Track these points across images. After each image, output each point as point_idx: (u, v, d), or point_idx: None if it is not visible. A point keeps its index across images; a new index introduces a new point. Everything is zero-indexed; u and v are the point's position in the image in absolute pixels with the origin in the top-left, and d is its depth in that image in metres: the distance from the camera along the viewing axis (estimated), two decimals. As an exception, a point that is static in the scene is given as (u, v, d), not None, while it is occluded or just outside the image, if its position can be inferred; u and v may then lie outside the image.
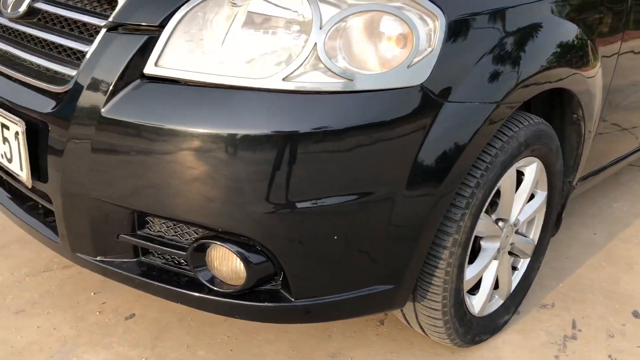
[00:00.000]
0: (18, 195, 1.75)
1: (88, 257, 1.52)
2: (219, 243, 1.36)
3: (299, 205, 1.31)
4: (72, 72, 1.42)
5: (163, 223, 1.45)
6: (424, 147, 1.37)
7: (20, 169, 1.51)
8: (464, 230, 1.54)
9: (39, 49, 1.54)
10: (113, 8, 1.41)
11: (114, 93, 1.34)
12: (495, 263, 1.80)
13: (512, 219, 1.80)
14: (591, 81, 1.82)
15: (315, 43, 1.27)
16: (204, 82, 1.31)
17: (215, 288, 1.41)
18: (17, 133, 1.48)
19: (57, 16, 1.53)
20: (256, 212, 1.31)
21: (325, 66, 1.28)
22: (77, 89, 1.38)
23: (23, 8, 1.57)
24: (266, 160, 1.27)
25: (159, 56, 1.33)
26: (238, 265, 1.37)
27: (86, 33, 1.46)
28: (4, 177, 1.75)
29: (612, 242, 2.59)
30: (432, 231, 1.47)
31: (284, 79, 1.27)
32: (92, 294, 1.99)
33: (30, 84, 1.51)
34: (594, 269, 2.37)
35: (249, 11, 1.31)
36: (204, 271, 1.42)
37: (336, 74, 1.28)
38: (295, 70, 1.27)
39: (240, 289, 1.39)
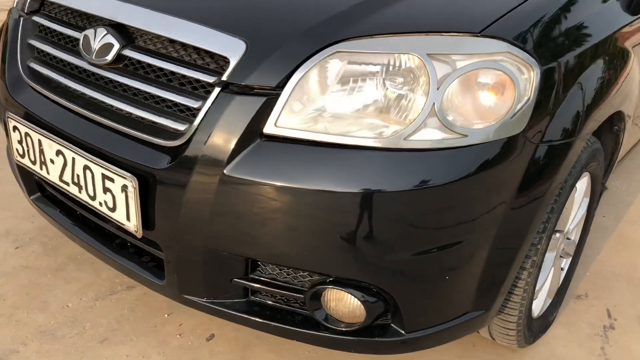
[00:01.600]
0: (106, 236, 1.78)
1: (198, 299, 1.59)
2: (339, 288, 1.45)
3: (418, 253, 1.41)
4: (182, 127, 1.46)
5: (276, 267, 1.53)
6: (520, 188, 1.48)
7: (127, 219, 1.55)
8: (540, 252, 1.68)
9: (141, 100, 1.56)
10: (219, 65, 1.44)
11: (235, 152, 1.39)
12: (552, 269, 1.97)
13: (566, 229, 1.96)
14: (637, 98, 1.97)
15: (434, 103, 1.35)
16: (325, 142, 1.37)
17: (331, 326, 1.51)
18: (124, 186, 1.51)
19: (149, 65, 1.55)
20: (378, 262, 1.41)
21: (442, 124, 1.36)
22: (195, 146, 1.42)
23: (111, 56, 1.57)
24: (389, 216, 1.36)
25: (278, 116, 1.38)
26: (356, 306, 1.47)
27: (188, 86, 1.49)
28: (90, 218, 1.79)
29: (620, 225, 2.81)
30: (521, 260, 1.61)
31: (405, 139, 1.35)
32: (166, 315, 2.05)
33: (132, 135, 1.53)
34: (612, 254, 2.58)
35: (368, 72, 1.37)
36: (319, 311, 1.51)
37: (452, 131, 1.37)
38: (415, 129, 1.35)
39: (357, 327, 1.50)
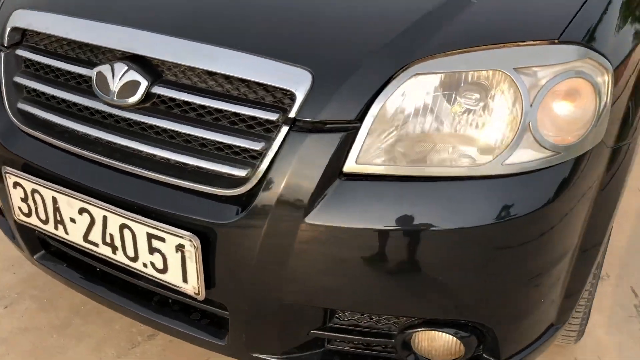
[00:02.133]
0: (140, 294, 1.58)
1: (270, 356, 1.43)
2: (434, 329, 1.34)
3: (521, 280, 1.32)
4: (242, 173, 1.28)
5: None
6: (599, 195, 1.42)
7: (184, 281, 1.36)
8: (599, 262, 1.64)
9: (180, 144, 1.36)
10: (277, 98, 1.27)
11: (315, 196, 1.23)
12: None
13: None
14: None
15: (529, 122, 1.24)
16: (413, 176, 1.24)
17: (423, 367, 1.41)
18: (180, 246, 1.32)
19: (186, 103, 1.35)
20: (480, 297, 1.30)
21: (538, 143, 1.26)
22: (267, 193, 1.25)
23: (139, 95, 1.35)
24: (493, 249, 1.26)
25: (359, 152, 1.24)
26: (452, 343, 1.37)
27: (241, 125, 1.31)
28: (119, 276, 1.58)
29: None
30: (595, 264, 1.56)
31: (502, 164, 1.24)
32: (202, 363, 1.87)
33: (178, 185, 1.34)
34: (616, 228, 2.61)
35: (452, 94, 1.24)
36: (409, 353, 1.40)
37: (546, 149, 1.27)
38: (511, 152, 1.24)
39: (454, 365, 1.40)
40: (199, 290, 1.35)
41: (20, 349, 1.91)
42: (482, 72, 1.24)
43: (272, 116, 1.26)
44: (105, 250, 1.46)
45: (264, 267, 1.29)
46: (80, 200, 1.43)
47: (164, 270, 1.38)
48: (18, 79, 1.57)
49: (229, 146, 1.32)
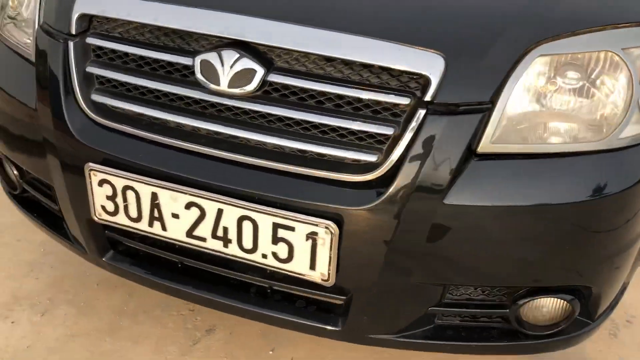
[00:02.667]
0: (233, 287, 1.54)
1: (387, 336, 1.46)
2: (548, 295, 1.43)
3: (623, 248, 1.43)
4: (372, 158, 1.30)
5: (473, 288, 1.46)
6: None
7: (311, 268, 1.35)
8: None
9: (299, 132, 1.34)
10: (402, 82, 1.29)
11: (452, 178, 1.27)
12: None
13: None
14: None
15: (638, 99, 1.34)
16: (542, 153, 1.31)
17: (532, 333, 1.48)
18: (312, 234, 1.31)
19: (303, 90, 1.33)
20: (597, 263, 1.40)
21: None
22: (403, 177, 1.27)
23: (255, 83, 1.32)
24: (614, 217, 1.36)
25: (493, 133, 1.28)
26: (559, 308, 1.46)
27: (366, 110, 1.31)
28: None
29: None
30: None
31: (618, 138, 1.34)
32: (270, 352, 1.85)
33: (302, 174, 1.33)
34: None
35: (572, 74, 1.32)
36: (521, 320, 1.47)
37: (650, 122, 1.38)
38: (624, 126, 1.34)
39: (561, 327, 1.49)
40: (328, 277, 1.35)
41: (76, 357, 1.80)
42: (595, 53, 1.33)
43: (403, 100, 1.28)
44: (213, 245, 1.41)
45: (398, 250, 1.31)
46: (190, 194, 1.37)
47: (287, 260, 1.37)
48: (92, 70, 1.47)
49: (353, 132, 1.32)
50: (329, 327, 1.47)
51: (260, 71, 1.32)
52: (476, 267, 1.36)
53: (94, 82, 1.49)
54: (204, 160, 1.38)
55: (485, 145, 1.29)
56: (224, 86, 1.34)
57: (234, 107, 1.37)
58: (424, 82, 1.27)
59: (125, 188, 1.43)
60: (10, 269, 2.10)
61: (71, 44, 1.48)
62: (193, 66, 1.36)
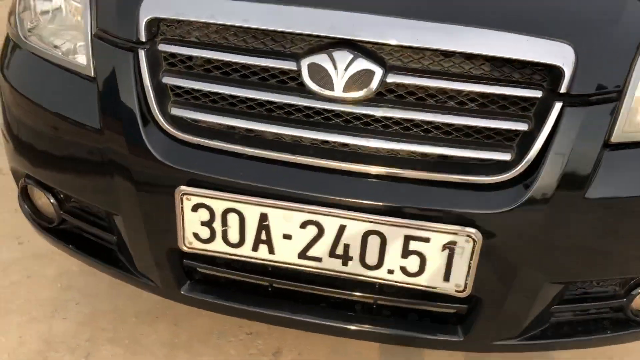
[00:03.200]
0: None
1: (510, 341, 1.40)
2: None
3: None
4: (506, 157, 1.23)
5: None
6: None
7: (445, 280, 1.27)
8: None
9: (418, 134, 1.25)
10: (525, 74, 1.22)
11: (591, 171, 1.22)
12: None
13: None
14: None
15: None
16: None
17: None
18: (450, 243, 1.22)
19: (423, 89, 1.24)
20: None
21: None
22: (544, 175, 1.21)
23: (375, 85, 1.21)
24: None
25: (625, 122, 1.25)
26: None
27: (494, 106, 1.24)
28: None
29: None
30: None
31: None
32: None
33: (425, 179, 1.24)
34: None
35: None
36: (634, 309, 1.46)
37: None
38: None
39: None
40: (464, 287, 1.27)
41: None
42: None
43: (534, 93, 1.22)
44: (330, 264, 1.29)
45: (539, 250, 1.25)
46: (308, 212, 1.24)
47: (417, 273, 1.27)
48: (170, 80, 1.30)
49: (478, 131, 1.25)
50: (450, 338, 1.39)
51: (378, 72, 1.21)
52: (608, 261, 1.32)
53: (168, 94, 1.32)
54: (318, 174, 1.26)
55: (617, 134, 1.25)
56: (338, 91, 1.22)
57: (345, 112, 1.26)
58: (556, 73, 1.21)
59: (227, 211, 1.27)
60: (31, 311, 1.86)
61: (142, 53, 1.30)
62: (299, 70, 1.23)
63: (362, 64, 1.21)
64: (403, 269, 1.27)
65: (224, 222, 1.29)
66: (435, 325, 1.41)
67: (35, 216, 1.62)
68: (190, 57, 1.31)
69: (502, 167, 1.24)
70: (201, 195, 1.27)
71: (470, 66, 1.24)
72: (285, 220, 1.26)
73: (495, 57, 1.22)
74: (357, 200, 1.24)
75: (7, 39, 1.57)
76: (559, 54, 1.21)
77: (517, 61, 1.22)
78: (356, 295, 1.41)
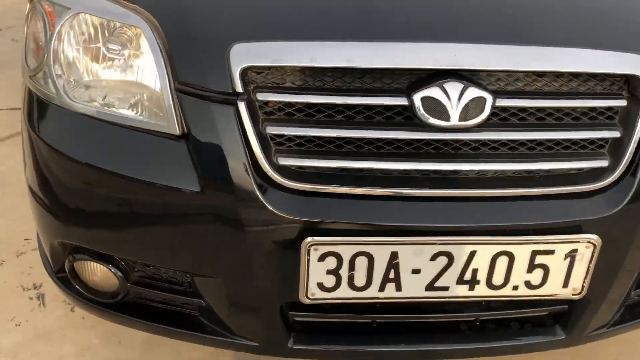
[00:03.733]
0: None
1: (601, 330, 1.49)
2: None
3: None
4: (603, 164, 1.32)
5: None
6: None
7: (564, 286, 1.34)
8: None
9: (524, 153, 1.31)
10: (607, 88, 1.33)
11: None
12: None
13: None
14: None
15: None
16: None
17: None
18: (572, 252, 1.29)
19: (523, 110, 1.30)
20: None
21: None
22: (634, 177, 1.32)
23: (487, 112, 1.25)
24: None
25: None
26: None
27: (584, 118, 1.33)
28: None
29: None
30: None
31: None
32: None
33: (536, 194, 1.30)
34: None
35: None
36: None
37: None
38: None
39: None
40: (581, 290, 1.35)
41: None
42: None
43: (620, 102, 1.32)
44: (457, 291, 1.31)
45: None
46: (440, 243, 1.25)
47: (540, 285, 1.32)
48: (274, 130, 1.24)
49: (575, 142, 1.33)
50: (553, 339, 1.46)
51: (489, 98, 1.25)
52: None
53: (269, 144, 1.26)
54: (442, 204, 1.27)
55: None
56: (454, 121, 1.24)
57: (454, 140, 1.28)
58: (635, 82, 1.32)
59: (356, 255, 1.24)
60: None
61: (242, 105, 1.23)
62: (410, 105, 1.24)
63: (474, 92, 1.24)
64: (527, 283, 1.32)
65: (352, 267, 1.26)
66: (536, 330, 1.48)
67: (92, 294, 1.46)
68: (289, 104, 1.26)
69: (599, 174, 1.33)
70: (330, 244, 1.23)
71: (557, 83, 1.32)
72: (415, 255, 1.26)
73: (580, 73, 1.31)
74: (485, 225, 1.27)
75: (39, 101, 1.40)
76: (636, 64, 1.32)
77: (600, 75, 1.32)
78: (463, 316, 1.44)
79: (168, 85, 1.26)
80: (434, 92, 1.23)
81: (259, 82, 1.25)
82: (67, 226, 1.40)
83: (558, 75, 1.30)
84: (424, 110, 1.23)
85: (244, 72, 1.23)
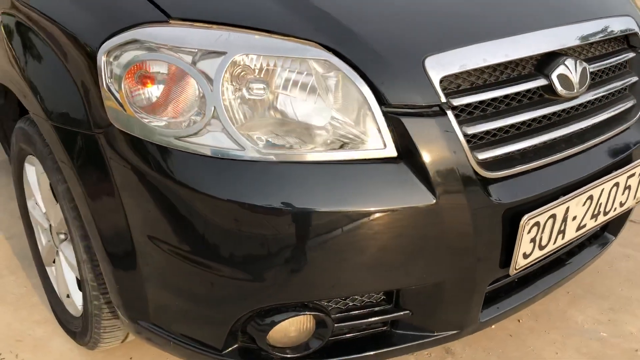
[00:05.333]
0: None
1: None
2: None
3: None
4: (633, 102, 1.75)
5: None
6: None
7: (634, 198, 1.73)
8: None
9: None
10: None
11: None
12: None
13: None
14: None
15: None
16: None
17: None
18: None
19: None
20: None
21: None
22: None
23: (589, 78, 1.54)
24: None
25: None
26: None
27: None
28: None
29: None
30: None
31: None
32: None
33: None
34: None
35: None
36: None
37: None
38: None
39: None
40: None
41: None
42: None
43: (632, 54, 1.75)
44: (589, 225, 1.59)
45: None
46: (585, 192, 1.51)
47: (625, 202, 1.70)
48: (472, 130, 1.34)
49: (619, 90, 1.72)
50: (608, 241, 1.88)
51: (587, 67, 1.55)
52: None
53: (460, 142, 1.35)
54: (583, 156, 1.55)
55: None
56: (576, 89, 1.51)
57: (579, 105, 1.56)
58: (633, 38, 1.76)
59: (548, 218, 1.44)
60: None
61: (450, 113, 1.30)
62: (549, 84, 1.46)
63: (580, 64, 1.52)
64: (620, 203, 1.68)
65: (543, 230, 1.45)
66: (594, 240, 1.88)
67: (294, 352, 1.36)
68: (474, 103, 1.36)
69: (631, 110, 1.74)
70: (536, 215, 1.40)
71: (603, 47, 1.68)
72: (577, 205, 1.51)
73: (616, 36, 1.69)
74: (604, 165, 1.58)
75: (204, 161, 1.22)
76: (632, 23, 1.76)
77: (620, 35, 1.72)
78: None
79: (376, 109, 1.25)
80: (562, 69, 1.48)
81: (451, 88, 1.34)
82: (283, 285, 1.27)
83: (605, 39, 1.67)
84: (560, 85, 1.47)
85: (441, 82, 1.30)
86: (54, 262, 1.94)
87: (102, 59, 1.28)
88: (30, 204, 1.96)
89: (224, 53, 1.21)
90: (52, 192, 1.70)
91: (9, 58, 1.61)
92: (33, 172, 1.84)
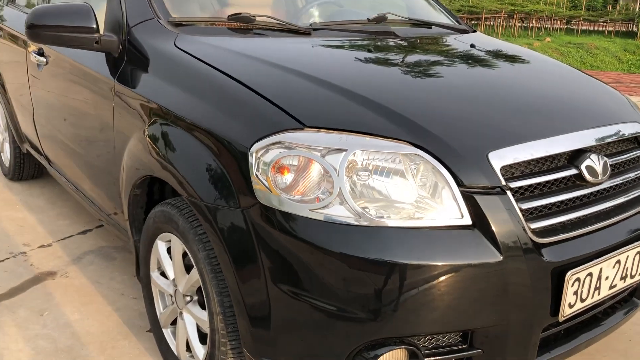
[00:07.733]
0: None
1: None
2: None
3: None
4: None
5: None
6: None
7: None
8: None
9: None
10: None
11: None
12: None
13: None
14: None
15: None
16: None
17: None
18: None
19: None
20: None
21: None
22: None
23: (610, 168, 2.00)
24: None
25: None
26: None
27: None
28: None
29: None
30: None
31: None
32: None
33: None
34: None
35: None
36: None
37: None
38: None
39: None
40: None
41: None
42: None
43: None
44: (619, 285, 1.99)
45: None
46: (615, 256, 1.93)
47: (647, 268, 2.10)
48: (527, 206, 1.79)
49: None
50: (641, 303, 2.25)
51: (608, 160, 2.01)
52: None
53: (517, 214, 1.79)
54: (615, 227, 1.98)
55: None
56: (600, 177, 1.96)
57: (604, 189, 2.01)
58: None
59: (587, 275, 1.84)
60: None
61: (509, 193, 1.75)
62: (579, 173, 1.92)
63: (603, 158, 1.98)
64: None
65: (583, 285, 1.85)
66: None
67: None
68: (528, 186, 1.82)
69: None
70: (578, 272, 1.81)
71: (618, 144, 2.16)
72: (608, 266, 1.92)
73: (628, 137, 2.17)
74: (630, 236, 2.00)
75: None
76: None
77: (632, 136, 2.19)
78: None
79: (455, 189, 1.71)
80: (589, 162, 1.94)
81: (508, 174, 1.80)
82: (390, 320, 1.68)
83: (620, 140, 2.14)
84: (588, 174, 1.93)
85: (501, 170, 1.76)
86: (171, 323, 2.35)
87: (253, 155, 1.77)
88: (154, 274, 2.40)
89: (345, 150, 1.70)
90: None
91: (166, 156, 2.10)
92: (163, 246, 2.29)
